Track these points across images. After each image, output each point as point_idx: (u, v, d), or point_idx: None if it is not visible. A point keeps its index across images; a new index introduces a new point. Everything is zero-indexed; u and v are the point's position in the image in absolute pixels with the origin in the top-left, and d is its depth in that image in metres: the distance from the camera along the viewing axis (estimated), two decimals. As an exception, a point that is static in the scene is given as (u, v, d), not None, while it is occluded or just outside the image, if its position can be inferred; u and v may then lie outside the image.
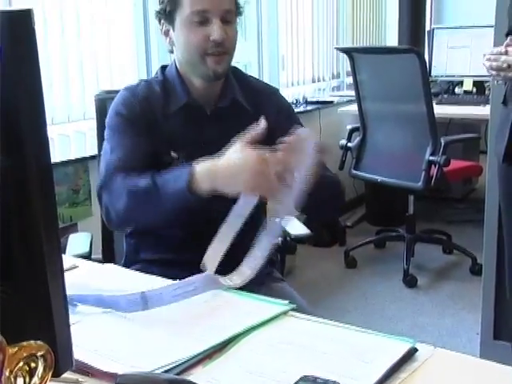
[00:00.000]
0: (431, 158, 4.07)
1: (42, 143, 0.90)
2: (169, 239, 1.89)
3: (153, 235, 1.93)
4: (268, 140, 1.65)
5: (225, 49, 1.84)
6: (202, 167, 1.63)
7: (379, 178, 4.39)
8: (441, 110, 4.42)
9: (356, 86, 4.40)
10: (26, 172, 0.88)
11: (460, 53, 5.36)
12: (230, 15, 1.85)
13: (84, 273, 1.66)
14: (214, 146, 1.69)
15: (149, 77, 3.67)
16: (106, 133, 1.91)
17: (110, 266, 1.82)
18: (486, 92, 5.04)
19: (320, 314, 1.46)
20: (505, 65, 1.99)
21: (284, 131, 1.66)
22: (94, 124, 2.41)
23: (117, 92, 2.19)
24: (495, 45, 2.90)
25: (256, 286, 1.63)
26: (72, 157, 3.10)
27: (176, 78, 1.93)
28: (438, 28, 5.71)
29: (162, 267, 1.80)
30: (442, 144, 4.08)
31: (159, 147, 1.85)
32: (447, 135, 4.34)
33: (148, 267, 1.82)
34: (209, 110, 1.92)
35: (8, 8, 2.33)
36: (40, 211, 0.89)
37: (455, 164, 4.41)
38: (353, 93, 4.55)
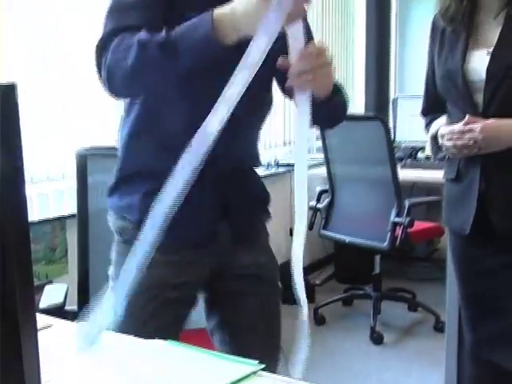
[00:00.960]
0: (396, 219, 4.10)
1: (20, 205, 0.87)
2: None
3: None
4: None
5: None
6: (221, 11, 1.43)
7: (347, 239, 4.40)
8: (405, 174, 4.45)
9: (325, 149, 4.44)
10: (3, 232, 0.85)
11: (421, 120, 5.42)
12: None
13: (57, 333, 1.60)
14: None
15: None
16: None
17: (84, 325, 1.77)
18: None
19: (288, 372, 1.42)
20: (471, 142, 1.99)
21: None
22: (72, 183, 2.39)
23: (100, 149, 2.17)
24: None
25: None
26: (50, 215, 3.07)
27: None
28: (401, 97, 5.80)
29: None
30: (407, 206, 4.11)
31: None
32: (411, 198, 4.38)
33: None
34: None
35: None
36: (16, 273, 0.86)
37: (419, 225, 4.44)
38: (322, 156, 4.57)
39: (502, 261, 2.10)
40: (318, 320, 4.54)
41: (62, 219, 3.07)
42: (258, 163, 1.93)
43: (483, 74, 2.02)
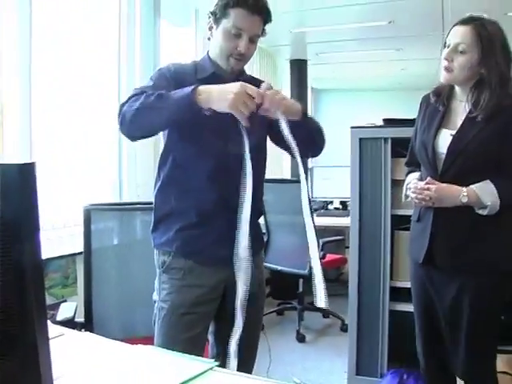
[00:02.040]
0: (313, 253, 4.09)
1: (35, 247, 0.86)
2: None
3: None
4: None
5: (243, 58, 1.81)
6: (204, 86, 1.59)
7: (279, 267, 4.40)
8: (320, 220, 4.49)
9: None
10: (23, 266, 0.84)
11: (330, 182, 5.51)
12: (256, 38, 1.81)
13: (68, 340, 1.55)
14: None
15: (121, 195, 3.63)
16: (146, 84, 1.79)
17: (88, 334, 1.72)
18: (348, 208, 5.15)
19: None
20: (427, 198, 2.00)
21: None
22: (81, 229, 2.36)
23: (101, 205, 2.15)
24: (352, 178, 3.00)
25: None
26: (65, 253, 3.01)
27: (207, 58, 1.86)
28: (315, 166, 5.87)
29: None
30: (321, 244, 4.13)
31: None
32: (324, 238, 4.40)
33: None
34: (230, 80, 1.76)
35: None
36: (32, 298, 0.84)
37: (330, 257, 4.48)
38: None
39: (446, 286, 2.06)
40: (259, 326, 4.49)
41: (73, 255, 3.03)
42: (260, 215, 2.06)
43: (445, 149, 2.02)
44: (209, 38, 1.87)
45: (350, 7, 4.99)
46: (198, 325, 1.81)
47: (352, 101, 10.20)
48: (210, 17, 1.82)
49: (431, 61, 7.26)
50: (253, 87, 1.61)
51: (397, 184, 2.96)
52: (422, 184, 2.03)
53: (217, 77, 1.80)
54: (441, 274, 2.07)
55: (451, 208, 1.99)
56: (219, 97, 1.57)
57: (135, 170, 3.70)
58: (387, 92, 9.95)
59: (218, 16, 1.78)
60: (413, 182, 2.12)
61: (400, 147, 2.98)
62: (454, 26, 2.03)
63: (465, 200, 1.95)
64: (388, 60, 7.45)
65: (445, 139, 2.04)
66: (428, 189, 2.00)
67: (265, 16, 1.80)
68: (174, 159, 1.81)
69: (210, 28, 1.82)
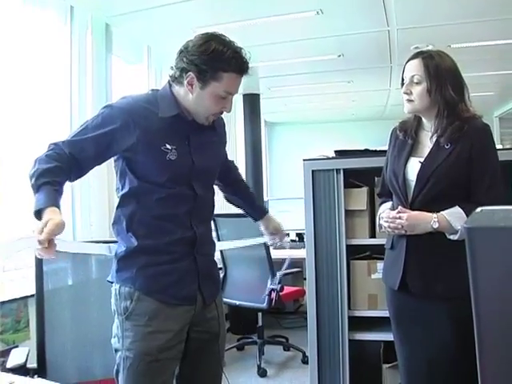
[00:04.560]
0: (271, 286, 4.12)
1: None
2: None
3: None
4: (223, 150, 2.02)
5: (222, 114, 1.86)
6: (51, 211, 1.49)
7: (237, 302, 4.36)
8: (276, 253, 4.49)
9: (218, 237, 4.43)
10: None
11: (286, 215, 5.54)
12: None
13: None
14: (195, 146, 1.80)
15: (75, 234, 3.57)
16: (95, 116, 1.75)
17: (40, 380, 1.66)
18: (304, 240, 5.18)
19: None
20: (399, 226, 2.05)
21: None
22: (32, 271, 2.32)
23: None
24: (306, 209, 3.04)
25: None
26: (16, 296, 2.93)
27: (172, 99, 1.80)
28: (271, 199, 5.90)
29: None
30: (278, 276, 4.15)
31: (156, 139, 1.73)
32: (281, 270, 4.40)
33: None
34: (193, 123, 1.82)
35: None
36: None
37: (287, 289, 4.48)
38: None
39: (422, 312, 2.09)
40: (219, 362, 4.43)
41: (24, 298, 2.94)
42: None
43: (415, 177, 2.08)
44: (174, 80, 1.80)
45: (300, 41, 5.12)
46: (167, 370, 1.77)
47: (305, 133, 10.36)
48: (189, 70, 1.73)
49: (381, 92, 7.55)
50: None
51: (350, 214, 3.02)
52: (393, 213, 2.09)
53: (181, 118, 1.80)
54: (416, 301, 2.10)
55: (423, 235, 2.04)
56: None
57: (89, 209, 3.65)
58: (339, 123, 10.17)
59: (206, 77, 1.72)
60: (385, 212, 2.18)
61: (352, 178, 3.05)
62: (406, 62, 2.16)
63: (436, 226, 2.01)
64: (339, 92, 7.64)
65: (414, 167, 2.11)
66: (400, 217, 2.06)
67: (248, 74, 1.83)
68: (137, 202, 1.78)
69: (190, 84, 1.74)
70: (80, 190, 3.61)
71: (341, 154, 3.11)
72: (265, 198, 6.28)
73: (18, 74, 3.23)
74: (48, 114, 3.48)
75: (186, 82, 1.75)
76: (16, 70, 3.21)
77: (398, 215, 2.07)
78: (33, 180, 1.57)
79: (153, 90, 1.89)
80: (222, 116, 1.97)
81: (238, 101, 7.47)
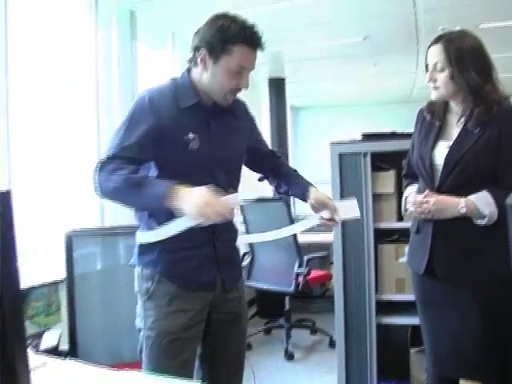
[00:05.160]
0: (298, 270, 4.13)
1: (13, 277, 0.85)
2: None
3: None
4: (245, 136, 1.94)
5: (240, 91, 1.83)
6: (175, 189, 1.57)
7: (265, 286, 4.39)
8: (303, 238, 4.48)
9: (245, 223, 4.45)
10: (1, 297, 0.83)
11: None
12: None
13: (52, 369, 1.53)
14: (216, 133, 1.79)
15: (103, 219, 3.61)
16: (123, 121, 1.75)
17: (72, 362, 1.69)
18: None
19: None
20: (426, 210, 2.03)
21: (252, 129, 2.01)
22: (62, 255, 2.35)
23: (82, 231, 2.13)
24: (333, 194, 3.01)
25: None
26: (47, 281, 2.97)
27: (189, 86, 1.80)
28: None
29: None
30: (305, 260, 4.15)
31: (178, 130, 1.74)
32: (308, 254, 4.40)
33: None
34: (211, 108, 1.82)
35: None
36: (12, 329, 0.83)
37: (314, 273, 4.47)
38: (243, 228, 4.57)
39: (445, 297, 2.08)
40: (246, 347, 4.46)
41: (55, 283, 2.99)
42: None
43: (442, 161, 2.06)
44: (191, 62, 1.82)
45: (325, 25, 5.06)
46: (187, 349, 1.80)
47: (330, 117, 10.27)
48: (201, 47, 1.75)
49: (407, 74, 7.42)
50: (221, 201, 1.60)
51: (378, 198, 3.00)
52: (420, 198, 2.06)
53: (200, 107, 1.80)
54: (442, 285, 2.09)
55: (450, 219, 2.02)
56: (190, 204, 1.56)
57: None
58: (365, 107, 10.04)
59: (217, 51, 1.72)
60: (411, 196, 2.15)
61: (380, 161, 3.03)
62: (428, 48, 2.11)
63: (463, 211, 1.99)
64: (365, 75, 7.53)
65: (441, 151, 2.08)
66: (426, 202, 2.03)
67: (262, 49, 1.79)
68: None
69: (203, 60, 1.75)
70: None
71: (368, 137, 3.08)
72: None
73: (44, 65, 3.25)
74: (75, 104, 3.51)
75: (199, 60, 1.76)
76: (41, 60, 3.23)
77: (424, 199, 2.04)
78: (126, 190, 1.63)
79: (172, 78, 1.89)
80: (246, 101, 1.95)
81: (263, 86, 7.44)
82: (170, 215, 1.67)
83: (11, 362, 0.84)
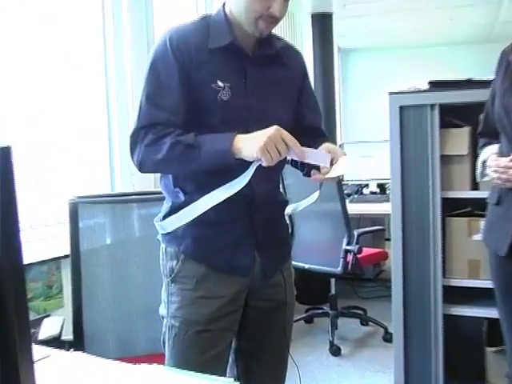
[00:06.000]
0: (347, 247, 4.11)
1: (15, 251, 0.85)
2: None
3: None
4: (293, 93, 1.88)
5: (275, 21, 1.74)
6: (239, 137, 1.60)
7: (306, 265, 4.39)
8: (353, 208, 4.47)
9: (284, 189, 4.43)
10: (2, 273, 0.83)
11: (364, 161, 5.48)
12: None
13: (55, 362, 1.56)
14: (254, 85, 1.75)
15: (113, 185, 3.64)
16: (146, 75, 1.73)
17: (78, 354, 1.71)
18: (387, 192, 5.14)
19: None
20: None
21: (304, 89, 1.93)
22: (66, 227, 2.37)
23: (90, 197, 2.14)
24: (392, 155, 2.98)
25: None
26: (47, 257, 3.02)
27: (223, 19, 1.78)
28: (346, 142, 5.83)
29: None
30: (355, 236, 4.13)
31: (206, 76, 1.71)
32: (359, 228, 4.40)
33: None
34: (250, 53, 1.78)
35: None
36: (13, 313, 0.84)
37: (366, 251, 4.46)
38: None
39: None
40: (284, 337, 4.51)
41: (57, 260, 3.03)
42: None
43: None
44: None
45: None
46: (218, 343, 1.78)
47: (389, 61, 10.14)
48: None
49: (488, 5, 7.21)
50: (289, 136, 1.60)
51: (447, 160, 2.95)
52: (505, 161, 1.99)
53: (236, 50, 1.75)
54: None
55: None
56: (252, 143, 1.57)
57: (129, 156, 3.68)
58: (433, 48, 9.86)
59: None
60: (492, 159, 2.08)
61: (451, 115, 2.97)
62: None
63: None
64: (432, 8, 7.37)
65: None
66: None
67: None
68: None
69: None
70: (119, 134, 3.65)
71: (436, 85, 3.03)
72: (338, 142, 6.21)
73: (49, 17, 3.27)
74: (81, 59, 3.51)
75: None
76: (47, 11, 3.25)
77: (511, 164, 1.97)
78: (179, 157, 1.64)
79: (204, 16, 1.85)
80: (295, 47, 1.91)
81: (305, 23, 7.35)
82: (199, 182, 1.70)
83: (13, 353, 0.85)
